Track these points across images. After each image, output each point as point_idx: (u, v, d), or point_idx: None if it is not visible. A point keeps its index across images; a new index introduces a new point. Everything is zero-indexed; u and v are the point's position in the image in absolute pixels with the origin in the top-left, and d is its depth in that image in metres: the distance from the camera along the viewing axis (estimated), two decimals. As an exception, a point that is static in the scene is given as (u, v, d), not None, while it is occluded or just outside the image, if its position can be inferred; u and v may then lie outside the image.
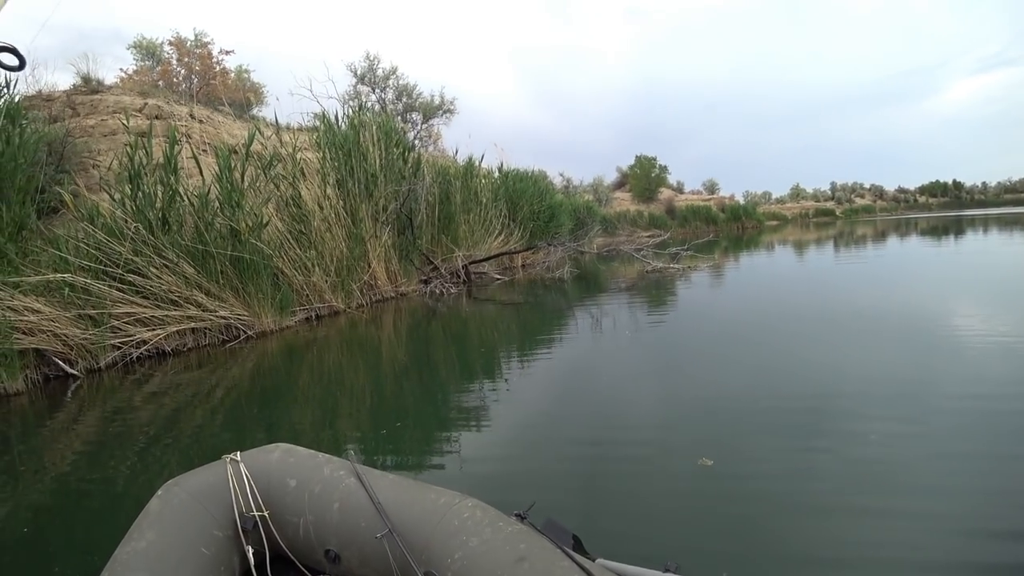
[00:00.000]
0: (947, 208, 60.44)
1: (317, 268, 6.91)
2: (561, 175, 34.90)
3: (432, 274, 9.60)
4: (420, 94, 23.09)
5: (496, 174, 13.21)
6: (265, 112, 12.17)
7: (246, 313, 5.90)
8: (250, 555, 1.56)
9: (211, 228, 5.72)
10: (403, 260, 8.77)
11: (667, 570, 1.23)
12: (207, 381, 4.65)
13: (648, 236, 24.16)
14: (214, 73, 12.39)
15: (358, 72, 22.30)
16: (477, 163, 11.74)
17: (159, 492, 1.57)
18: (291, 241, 6.73)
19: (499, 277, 10.60)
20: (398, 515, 1.47)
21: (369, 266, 7.91)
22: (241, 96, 11.54)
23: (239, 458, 1.66)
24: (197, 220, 5.68)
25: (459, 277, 9.96)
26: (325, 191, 7.47)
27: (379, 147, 8.47)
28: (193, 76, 12.04)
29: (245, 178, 6.22)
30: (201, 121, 9.29)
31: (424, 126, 22.95)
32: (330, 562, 1.55)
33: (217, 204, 5.85)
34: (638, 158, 38.60)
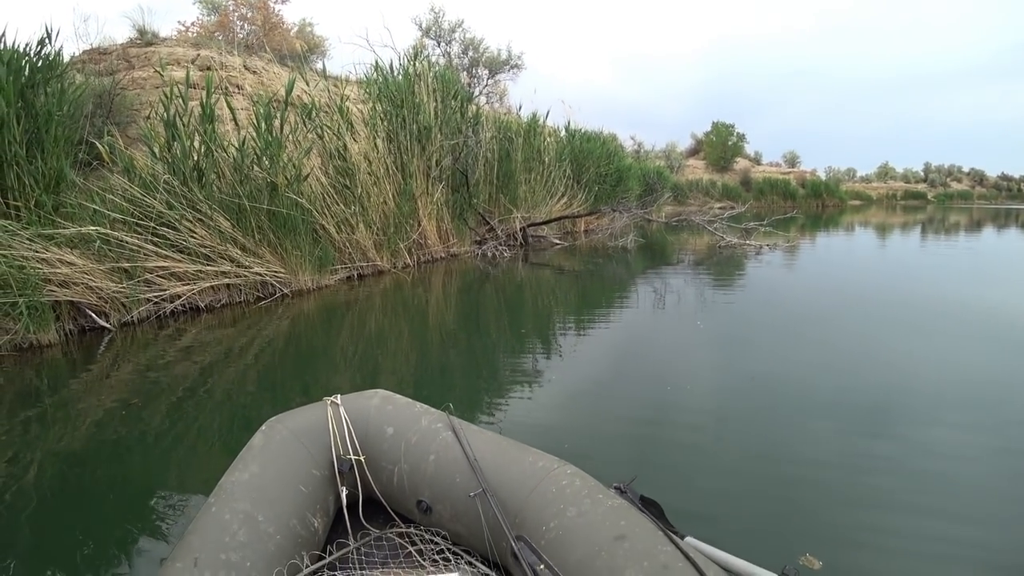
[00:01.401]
0: None
1: (361, 224, 6.50)
2: (632, 139, 33.68)
3: (488, 235, 9.08)
4: (487, 48, 22.35)
5: (563, 133, 12.45)
6: (329, 66, 11.85)
7: (283, 270, 5.55)
8: (344, 496, 1.58)
9: (248, 180, 5.37)
10: (456, 219, 8.26)
11: (783, 574, 1.09)
12: (239, 339, 4.40)
13: (721, 207, 22.81)
14: (272, 24, 12.10)
15: (423, 25, 21.74)
16: (541, 120, 11.03)
17: (263, 428, 1.60)
18: (334, 196, 6.32)
19: (558, 242, 9.93)
20: (494, 474, 1.44)
21: (419, 224, 7.44)
22: (296, 48, 11.20)
23: (339, 401, 1.68)
24: (233, 173, 5.34)
25: (516, 240, 9.39)
26: (375, 143, 7.02)
27: (434, 98, 7.93)
28: (249, 26, 11.78)
29: (284, 128, 5.80)
30: (255, 72, 8.98)
31: (490, 81, 22.26)
32: (421, 512, 1.54)
33: (254, 155, 5.47)
34: (715, 124, 36.93)
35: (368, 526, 1.60)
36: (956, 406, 2.84)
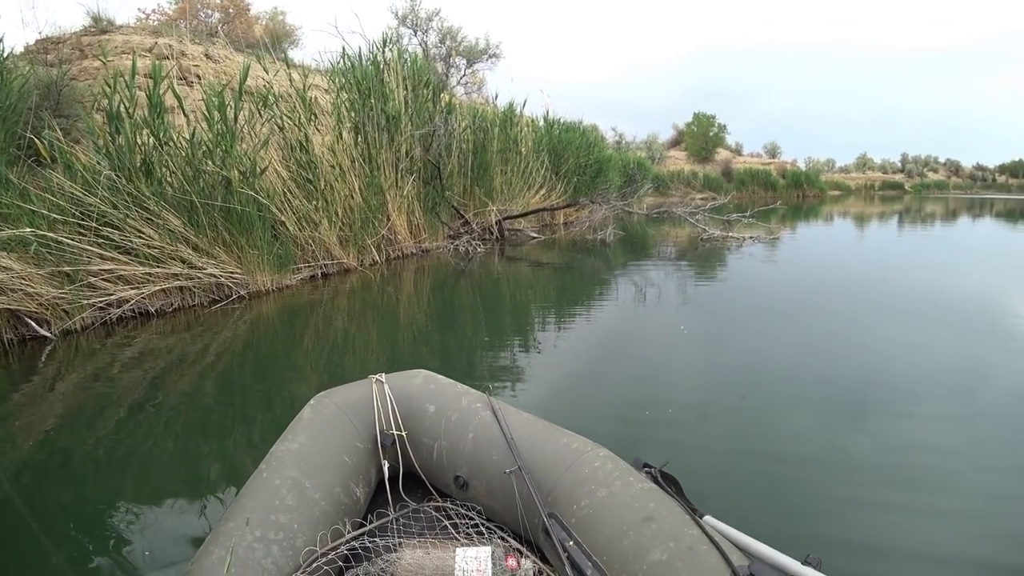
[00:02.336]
0: None
1: (325, 220, 6.18)
2: (614, 130, 33.53)
3: (462, 229, 8.79)
4: (464, 38, 21.94)
5: (541, 123, 12.15)
6: (301, 56, 11.41)
7: (239, 270, 5.22)
8: (385, 469, 1.65)
9: (200, 175, 5.02)
10: (428, 213, 7.94)
11: (806, 562, 1.07)
12: (193, 345, 4.07)
13: (702, 198, 22.70)
14: (238, 10, 11.65)
15: (399, 14, 21.27)
16: (518, 109, 10.72)
17: (311, 401, 1.69)
18: (295, 190, 5.99)
19: (536, 236, 9.64)
20: (529, 453, 1.48)
21: (388, 219, 7.13)
22: (258, 36, 10.77)
23: (384, 379, 1.74)
24: (184, 167, 4.99)
25: (491, 234, 9.10)
26: (340, 134, 6.70)
27: (405, 86, 7.61)
28: (213, 13, 11.32)
29: (239, 118, 5.46)
30: (217, 61, 8.57)
31: (468, 71, 21.86)
32: (458, 487, 1.59)
33: (206, 148, 5.12)
34: (696, 115, 37.04)
35: (407, 499, 1.66)
36: (930, 393, 2.94)
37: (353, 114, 6.94)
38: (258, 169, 5.41)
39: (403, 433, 1.67)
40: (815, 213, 20.08)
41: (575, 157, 11.88)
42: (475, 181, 9.06)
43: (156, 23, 10.51)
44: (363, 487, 1.59)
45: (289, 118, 6.14)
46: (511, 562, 1.34)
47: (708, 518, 1.28)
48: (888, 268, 7.32)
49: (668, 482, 1.37)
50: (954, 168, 63.34)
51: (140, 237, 4.72)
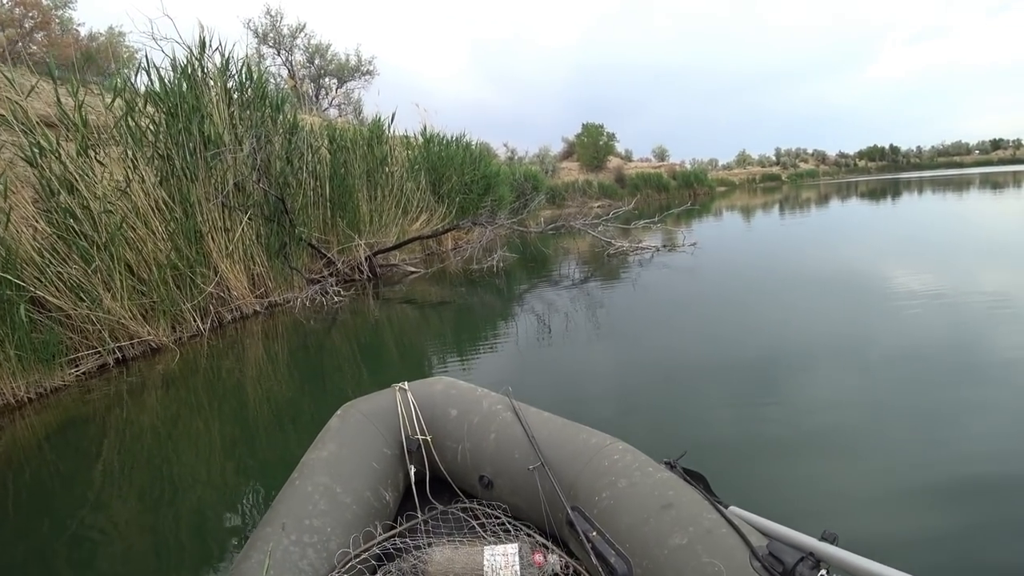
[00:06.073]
0: (885, 171, 66.00)
1: (116, 285, 4.56)
2: (505, 146, 32.96)
3: (327, 271, 7.29)
4: (335, 55, 20.29)
5: (419, 140, 10.82)
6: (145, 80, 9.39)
7: (-48, 379, 3.54)
8: (412, 473, 1.69)
9: None
10: (275, 258, 6.38)
11: (823, 538, 1.07)
12: None
13: (599, 206, 22.15)
14: (41, 24, 9.57)
15: (259, 31, 19.34)
16: (387, 124, 9.33)
17: (338, 412, 1.74)
18: (61, 250, 4.34)
19: (414, 270, 8.17)
20: (551, 450, 1.51)
21: (216, 272, 5.54)
22: (68, 53, 8.79)
23: (407, 387, 1.80)
24: None
25: (362, 273, 7.63)
26: (135, 167, 5.09)
27: (230, 100, 6.09)
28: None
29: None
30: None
31: (339, 91, 20.20)
32: (483, 487, 1.63)
33: None
34: (585, 126, 37.40)
35: (434, 501, 1.68)
36: (825, 356, 3.43)
37: (156, 140, 5.35)
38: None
39: (427, 437, 1.70)
40: (708, 210, 20.62)
41: (458, 175, 10.64)
42: (336, 211, 7.58)
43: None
44: (392, 491, 1.61)
45: (48, 148, 4.47)
46: (538, 558, 1.36)
47: (733, 508, 1.26)
48: (797, 255, 7.96)
49: (695, 478, 1.34)
50: (821, 157, 70.58)
51: None
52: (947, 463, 2.08)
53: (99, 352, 4.48)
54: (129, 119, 5.17)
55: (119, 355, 4.60)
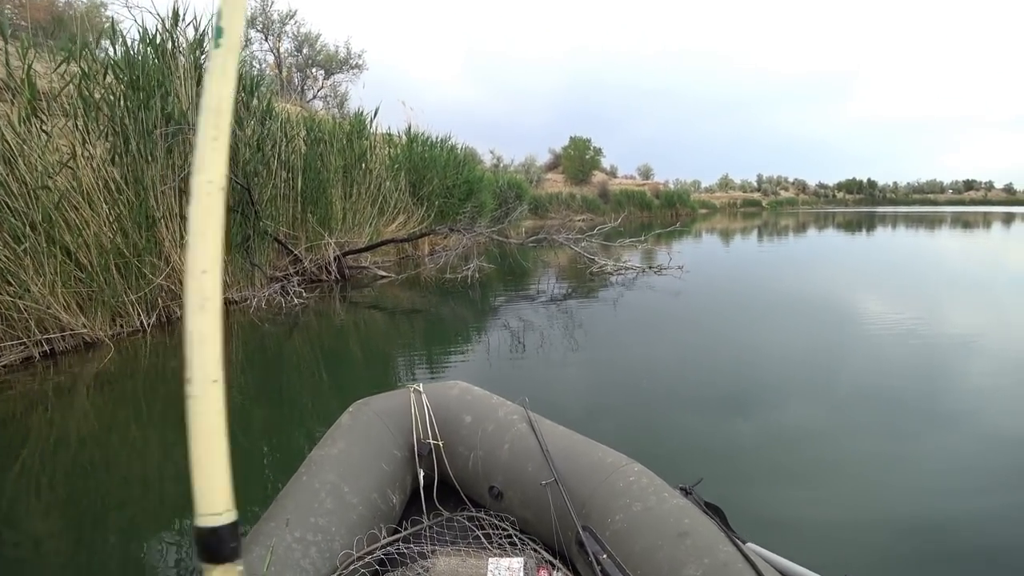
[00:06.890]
0: (862, 204, 68.55)
1: (50, 270, 4.11)
2: (491, 152, 32.68)
3: (292, 268, 6.86)
4: (324, 45, 19.83)
5: (403, 139, 10.45)
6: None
7: None
8: (421, 478, 1.65)
9: None
10: (236, 251, 5.95)
11: None
12: None
13: (581, 219, 21.92)
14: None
15: (248, 13, 18.76)
16: (369, 119, 8.95)
17: (350, 408, 1.69)
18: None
19: (385, 274, 7.76)
20: (565, 466, 1.47)
21: (167, 262, 5.10)
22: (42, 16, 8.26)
23: (422, 389, 1.74)
24: None
25: (330, 273, 7.21)
26: (87, 142, 4.65)
27: (198, 77, 5.67)
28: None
29: None
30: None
31: (326, 83, 19.71)
32: (492, 498, 1.58)
33: None
34: (572, 139, 37.41)
35: (441, 507, 1.64)
36: (799, 380, 3.59)
37: (114, 114, 4.91)
38: None
39: (439, 442, 1.66)
40: (691, 231, 20.73)
41: (440, 177, 10.28)
42: (308, 206, 7.16)
43: None
44: (399, 494, 1.59)
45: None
46: (543, 574, 1.33)
47: (750, 544, 1.25)
48: (778, 284, 7.94)
49: (712, 510, 1.31)
50: (801, 186, 71.98)
51: None
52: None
53: (24, 344, 4.03)
54: (83, 87, 4.74)
55: (47, 348, 4.14)
